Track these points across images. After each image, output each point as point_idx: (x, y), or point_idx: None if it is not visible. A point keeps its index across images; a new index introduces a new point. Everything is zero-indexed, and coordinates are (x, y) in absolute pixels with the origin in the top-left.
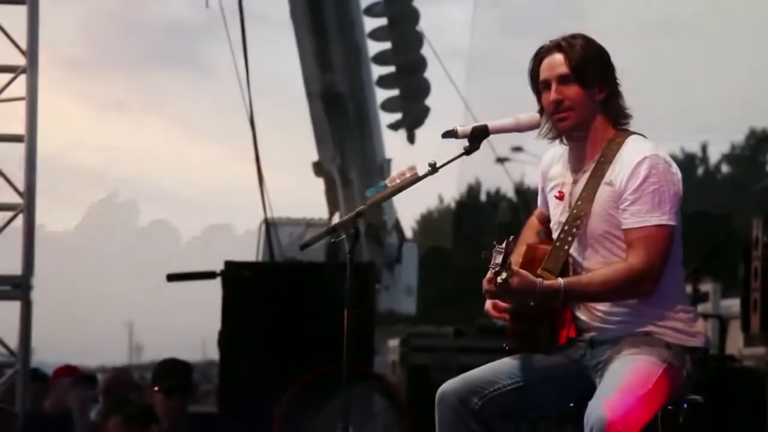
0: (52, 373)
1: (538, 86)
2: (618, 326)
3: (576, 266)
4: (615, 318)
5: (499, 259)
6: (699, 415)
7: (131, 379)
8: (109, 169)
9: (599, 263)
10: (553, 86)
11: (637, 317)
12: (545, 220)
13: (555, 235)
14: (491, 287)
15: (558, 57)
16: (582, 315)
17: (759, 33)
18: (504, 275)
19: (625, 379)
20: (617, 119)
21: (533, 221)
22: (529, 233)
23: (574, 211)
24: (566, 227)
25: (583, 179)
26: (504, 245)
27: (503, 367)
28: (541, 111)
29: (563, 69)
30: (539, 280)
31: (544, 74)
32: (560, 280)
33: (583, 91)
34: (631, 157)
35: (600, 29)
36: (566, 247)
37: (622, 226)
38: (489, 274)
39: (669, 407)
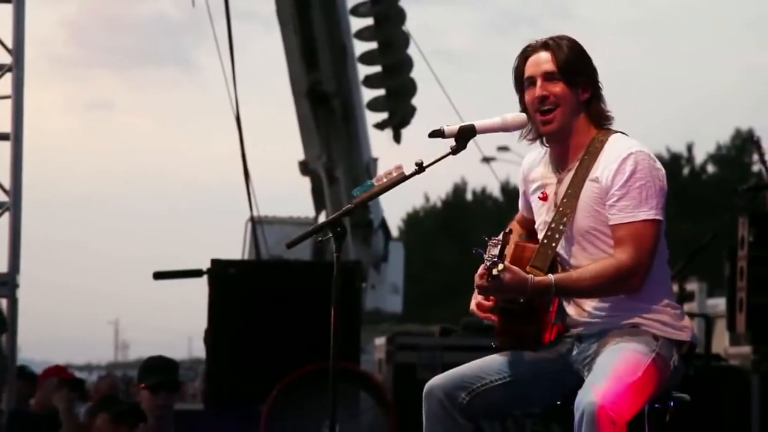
0: (41, 372)
1: (522, 84)
2: (605, 320)
3: (563, 264)
4: (602, 312)
5: (495, 251)
6: (685, 413)
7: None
8: (98, 167)
9: (587, 260)
10: (539, 83)
11: (624, 311)
12: (526, 224)
13: (542, 234)
14: (483, 282)
15: (544, 55)
16: (569, 311)
17: (747, 33)
18: (501, 267)
19: (614, 367)
20: (599, 120)
21: (514, 225)
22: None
23: (560, 209)
24: (553, 225)
25: (568, 177)
26: (501, 237)
27: (491, 363)
28: (524, 111)
29: (550, 66)
30: (530, 276)
31: (529, 71)
32: (551, 276)
33: (569, 90)
34: (616, 154)
35: (586, 29)
36: (554, 245)
37: (609, 222)
38: (481, 269)
39: (656, 405)
